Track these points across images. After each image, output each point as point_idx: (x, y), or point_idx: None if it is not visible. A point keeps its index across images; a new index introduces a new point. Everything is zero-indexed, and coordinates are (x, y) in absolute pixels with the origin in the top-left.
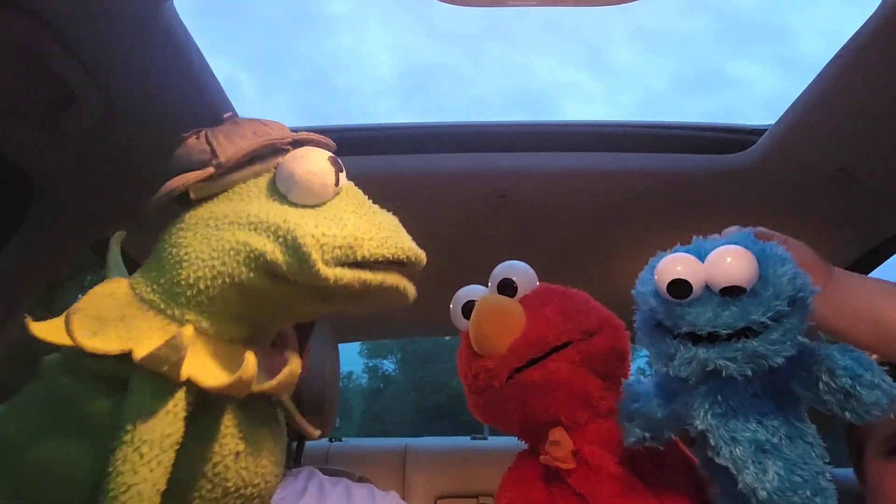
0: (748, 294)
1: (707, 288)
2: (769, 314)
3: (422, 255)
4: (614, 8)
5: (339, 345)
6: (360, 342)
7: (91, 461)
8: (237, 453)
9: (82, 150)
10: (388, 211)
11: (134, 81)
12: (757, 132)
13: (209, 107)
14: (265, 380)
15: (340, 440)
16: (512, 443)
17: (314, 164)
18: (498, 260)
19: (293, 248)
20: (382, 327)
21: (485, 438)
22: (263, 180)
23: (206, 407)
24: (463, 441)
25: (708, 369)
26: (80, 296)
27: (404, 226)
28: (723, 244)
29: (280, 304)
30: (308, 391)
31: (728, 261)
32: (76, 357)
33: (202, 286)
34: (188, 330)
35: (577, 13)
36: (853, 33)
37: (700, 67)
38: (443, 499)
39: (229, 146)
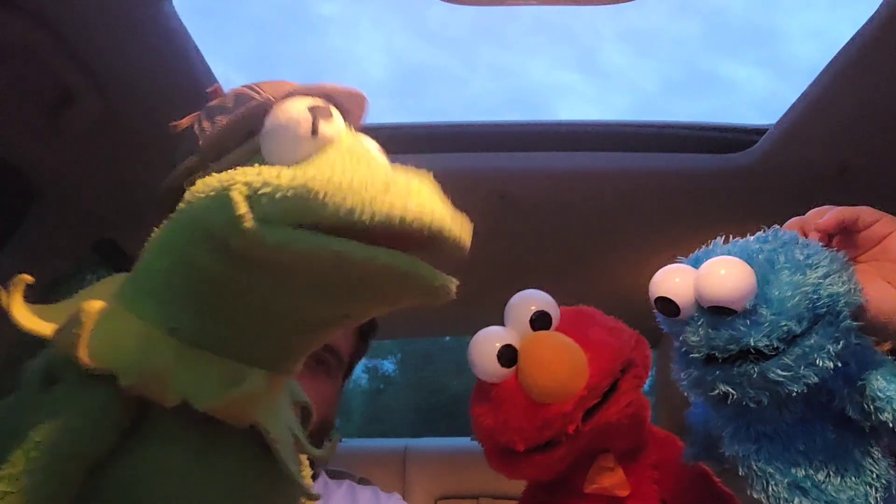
0: (745, 314)
1: (699, 304)
2: (775, 335)
3: (451, 227)
4: (605, 9)
5: None
6: None
7: None
8: None
9: (82, 150)
10: None
11: (133, 81)
12: (757, 132)
13: None
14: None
15: (340, 440)
16: None
17: (283, 114)
18: (498, 261)
19: (222, 201)
20: (382, 327)
21: None
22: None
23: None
24: (463, 442)
25: (712, 393)
26: None
27: None
28: (724, 252)
29: (248, 297)
30: None
31: (712, 276)
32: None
33: (156, 270)
34: (91, 305)
35: (569, 15)
36: (854, 33)
37: (691, 70)
38: (443, 499)
39: (209, 127)
